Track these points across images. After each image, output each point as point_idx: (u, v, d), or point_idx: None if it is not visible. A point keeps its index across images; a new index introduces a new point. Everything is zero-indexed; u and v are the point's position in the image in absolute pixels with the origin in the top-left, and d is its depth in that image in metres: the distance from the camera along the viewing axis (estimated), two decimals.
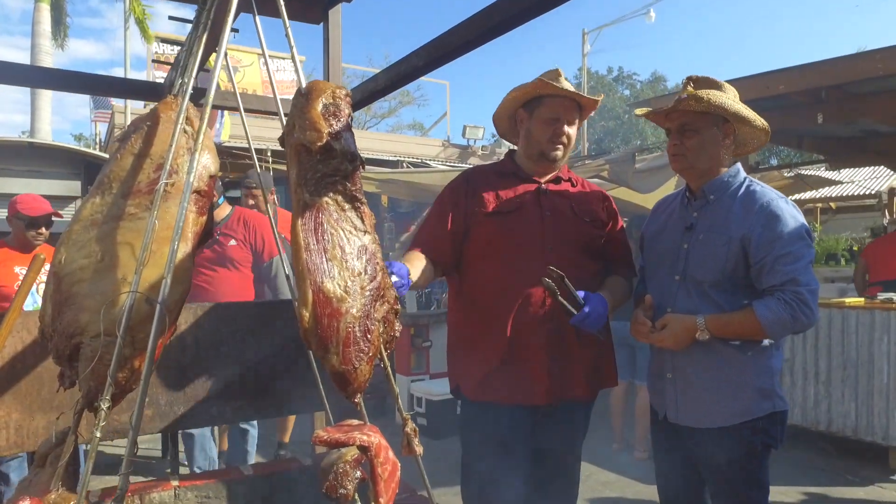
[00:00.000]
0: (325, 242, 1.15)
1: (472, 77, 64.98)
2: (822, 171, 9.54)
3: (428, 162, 11.59)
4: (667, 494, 2.32)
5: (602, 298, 2.12)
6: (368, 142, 13.26)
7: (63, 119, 73.76)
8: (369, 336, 1.17)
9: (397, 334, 1.31)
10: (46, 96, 14.54)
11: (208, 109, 1.06)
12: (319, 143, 1.16)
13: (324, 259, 1.13)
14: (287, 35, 1.25)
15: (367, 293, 1.18)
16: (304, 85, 1.25)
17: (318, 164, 1.17)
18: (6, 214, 3.70)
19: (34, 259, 2.07)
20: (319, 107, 1.18)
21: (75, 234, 1.12)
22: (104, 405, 0.97)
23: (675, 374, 2.15)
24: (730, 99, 2.09)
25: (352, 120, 1.24)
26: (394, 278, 1.91)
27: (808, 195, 10.83)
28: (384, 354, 1.27)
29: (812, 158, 9.37)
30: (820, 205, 13.43)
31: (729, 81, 2.18)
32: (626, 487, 4.36)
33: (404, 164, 10.91)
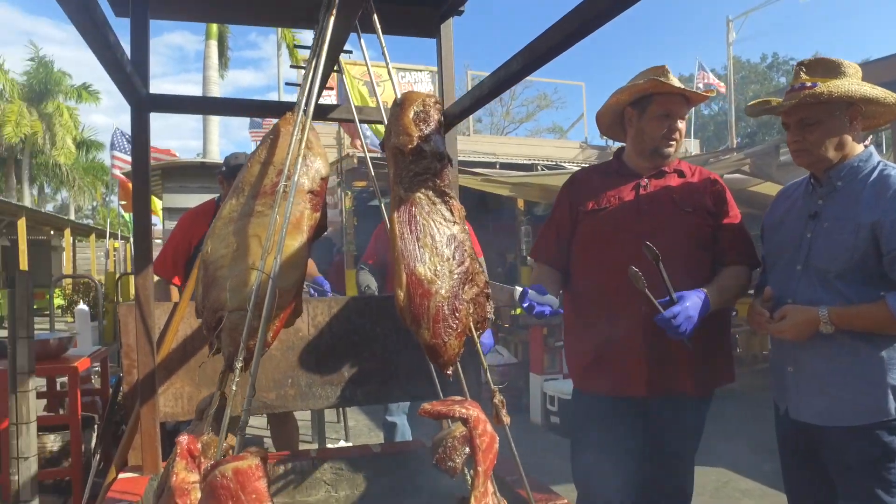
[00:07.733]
0: (418, 232, 1.31)
1: (608, 74, 63.05)
2: None
3: (564, 164, 11.54)
4: (794, 494, 2.23)
5: (701, 297, 2.02)
6: (503, 146, 13.39)
7: (228, 141, 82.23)
8: (457, 314, 1.32)
9: (489, 315, 1.44)
10: (215, 122, 16.32)
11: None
12: (410, 146, 1.33)
13: (416, 246, 1.30)
14: (383, 52, 1.43)
15: (455, 276, 1.32)
16: (398, 95, 1.44)
17: (411, 164, 1.35)
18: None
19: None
20: (411, 114, 1.35)
21: (218, 229, 1.39)
22: (238, 365, 1.20)
23: (797, 368, 2.07)
24: (852, 83, 1.98)
25: (441, 124, 1.40)
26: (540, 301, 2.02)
27: None
28: (475, 333, 1.40)
29: None
30: None
31: (871, 63, 2.06)
32: (764, 497, 4.13)
33: (539, 167, 10.94)
